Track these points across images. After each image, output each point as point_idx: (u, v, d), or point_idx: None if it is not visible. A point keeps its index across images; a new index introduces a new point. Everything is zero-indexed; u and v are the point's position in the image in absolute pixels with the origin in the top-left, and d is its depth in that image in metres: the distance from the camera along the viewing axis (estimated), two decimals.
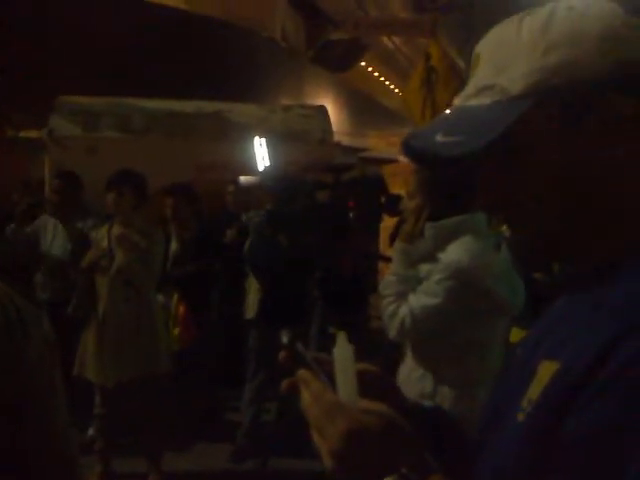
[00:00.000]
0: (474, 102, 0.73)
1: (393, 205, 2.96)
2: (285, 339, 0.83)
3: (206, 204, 5.06)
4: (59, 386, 0.93)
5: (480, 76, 0.74)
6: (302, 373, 0.78)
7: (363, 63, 16.49)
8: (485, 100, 0.72)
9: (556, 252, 0.76)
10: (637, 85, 0.67)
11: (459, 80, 7.77)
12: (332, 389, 0.75)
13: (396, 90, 18.37)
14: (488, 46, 0.75)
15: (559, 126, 0.69)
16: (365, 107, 16.83)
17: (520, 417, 0.66)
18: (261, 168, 3.66)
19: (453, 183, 2.18)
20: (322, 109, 6.82)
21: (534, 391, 0.66)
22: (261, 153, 3.58)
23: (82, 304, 3.84)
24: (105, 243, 3.79)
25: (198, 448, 4.34)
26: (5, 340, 0.84)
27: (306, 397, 0.76)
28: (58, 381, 0.93)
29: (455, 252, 2.11)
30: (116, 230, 3.80)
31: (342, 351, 0.77)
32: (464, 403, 2.10)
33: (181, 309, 4.56)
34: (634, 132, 0.68)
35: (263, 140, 3.58)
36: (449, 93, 6.93)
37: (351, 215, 3.94)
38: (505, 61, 0.72)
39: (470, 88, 0.75)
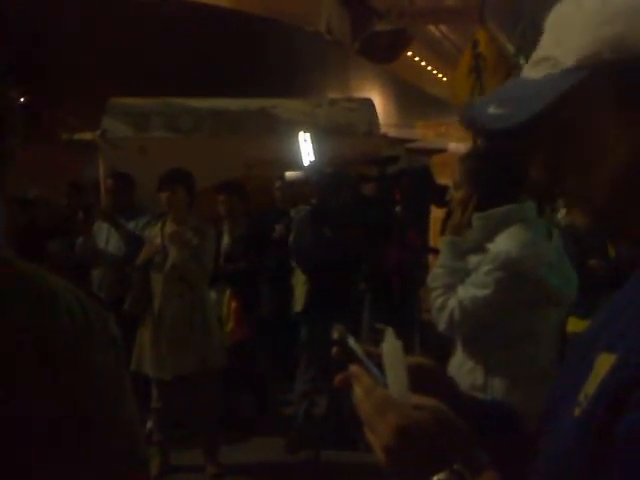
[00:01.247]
0: (532, 74, 0.73)
1: (440, 196, 2.92)
2: (336, 334, 0.84)
3: (255, 200, 5.11)
4: (127, 386, 0.94)
5: (541, 47, 0.74)
6: (354, 368, 0.79)
7: (409, 53, 16.31)
8: (541, 72, 0.72)
9: (611, 228, 0.74)
10: None
11: (508, 66, 7.60)
12: (384, 384, 0.76)
13: (444, 78, 18.11)
14: (552, 17, 0.75)
15: (612, 101, 0.68)
16: (413, 97, 16.64)
17: (576, 411, 0.65)
18: (306, 163, 3.66)
19: (500, 172, 2.14)
20: (368, 102, 6.79)
21: (591, 385, 0.65)
22: (306, 148, 3.57)
23: (139, 301, 3.94)
24: (159, 240, 3.87)
25: (253, 441, 4.40)
26: (71, 342, 0.85)
27: (358, 392, 0.76)
28: (126, 381, 0.94)
29: (504, 242, 2.08)
30: (169, 228, 3.89)
31: (390, 346, 0.77)
32: (516, 395, 2.07)
33: (233, 305, 4.63)
34: None
35: (308, 135, 3.58)
36: (498, 79, 6.78)
37: (398, 208, 3.91)
38: (563, 32, 0.71)
39: (531, 59, 0.75)
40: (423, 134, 12.88)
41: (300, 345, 4.23)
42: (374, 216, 3.79)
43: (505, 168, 2.12)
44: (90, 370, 0.87)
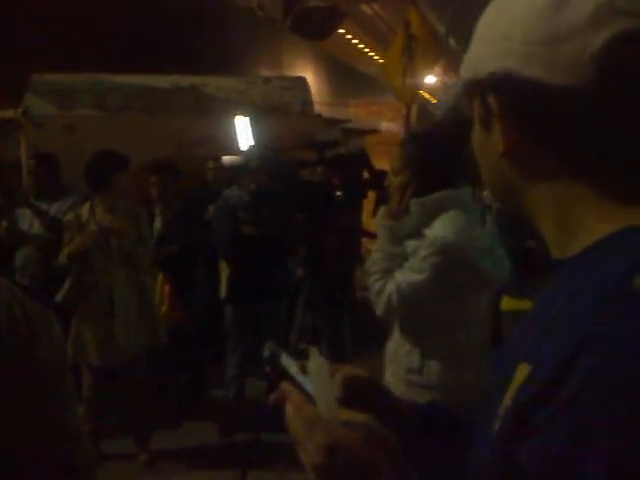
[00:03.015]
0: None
1: (378, 181, 2.91)
2: (267, 352, 0.83)
3: (188, 181, 5.01)
4: (70, 387, 0.93)
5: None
6: (284, 386, 0.78)
7: (342, 30, 16.22)
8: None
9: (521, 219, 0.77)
10: (506, 88, 0.67)
11: (439, 47, 7.69)
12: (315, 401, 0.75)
13: (376, 57, 18.16)
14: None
15: (480, 115, 0.72)
16: (345, 75, 16.60)
17: (496, 425, 0.63)
18: (244, 147, 3.56)
19: (439, 158, 2.16)
20: (302, 80, 6.74)
21: (508, 397, 0.62)
22: (243, 132, 3.46)
23: (75, 293, 3.75)
24: (93, 227, 3.70)
25: (186, 426, 4.36)
26: (9, 341, 0.84)
27: (288, 410, 0.75)
28: (69, 382, 0.94)
29: (440, 228, 2.11)
30: (100, 211, 3.73)
31: (316, 365, 0.76)
32: (452, 377, 2.13)
33: (166, 288, 4.56)
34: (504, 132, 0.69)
35: (245, 118, 3.48)
36: (429, 61, 6.87)
37: (337, 193, 3.90)
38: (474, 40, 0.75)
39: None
40: (356, 113, 12.92)
41: (225, 328, 4.22)
42: (313, 200, 3.78)
43: (443, 154, 2.14)
44: (32, 370, 0.86)
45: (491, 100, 0.68)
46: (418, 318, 2.18)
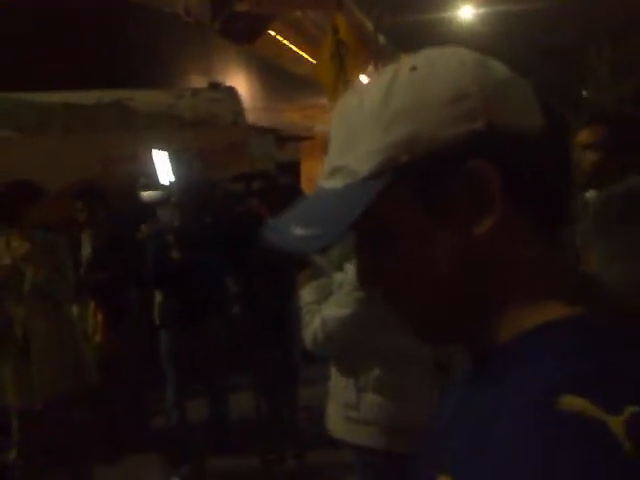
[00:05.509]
0: (330, 184, 0.65)
1: None
2: None
3: (116, 199, 4.84)
4: None
5: (331, 155, 0.66)
6: None
7: (272, 32, 16.09)
8: (338, 183, 0.64)
9: (440, 336, 0.67)
10: (497, 148, 0.59)
11: (368, 49, 7.67)
12: None
13: (307, 57, 18.10)
14: (336, 119, 0.67)
15: (421, 203, 0.61)
16: (278, 78, 16.43)
17: None
18: (165, 183, 3.41)
19: None
20: (232, 90, 6.62)
21: None
22: (164, 167, 3.31)
23: None
24: (8, 261, 3.51)
25: (128, 460, 4.19)
26: None
27: None
28: None
29: None
30: (16, 244, 3.54)
31: None
32: (390, 411, 2.07)
33: (99, 317, 4.38)
34: (503, 201, 0.59)
35: (165, 153, 3.34)
36: (360, 65, 6.85)
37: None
38: (350, 138, 0.64)
39: (325, 167, 0.67)
40: (290, 118, 12.80)
41: (162, 355, 4.10)
42: (242, 233, 3.67)
43: None
44: None
45: (473, 165, 0.58)
46: (351, 352, 2.12)
